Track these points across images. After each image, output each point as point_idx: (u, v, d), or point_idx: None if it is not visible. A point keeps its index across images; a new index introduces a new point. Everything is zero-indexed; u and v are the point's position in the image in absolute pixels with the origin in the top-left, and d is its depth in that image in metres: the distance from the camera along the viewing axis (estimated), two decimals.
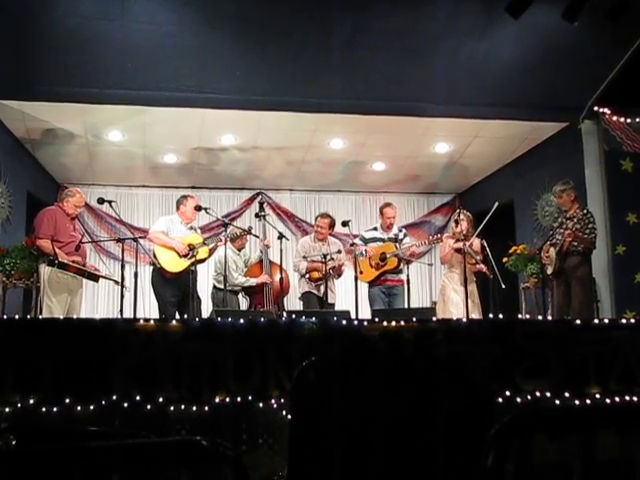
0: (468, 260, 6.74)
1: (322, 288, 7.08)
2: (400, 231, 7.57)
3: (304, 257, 7.33)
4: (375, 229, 7.56)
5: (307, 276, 7.32)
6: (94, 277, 6.70)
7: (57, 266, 6.25)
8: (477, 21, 7.08)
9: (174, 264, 6.72)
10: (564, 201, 6.88)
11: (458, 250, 6.88)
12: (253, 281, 7.77)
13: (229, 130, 8.39)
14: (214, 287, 7.85)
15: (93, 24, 6.67)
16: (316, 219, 7.71)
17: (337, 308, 7.35)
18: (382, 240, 7.38)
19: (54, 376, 3.84)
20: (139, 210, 10.19)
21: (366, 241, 7.37)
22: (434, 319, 4.87)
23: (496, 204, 6.72)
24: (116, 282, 6.54)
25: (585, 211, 6.73)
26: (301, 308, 7.42)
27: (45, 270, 6.35)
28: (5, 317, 6.21)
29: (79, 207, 6.88)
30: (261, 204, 8.49)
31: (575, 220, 6.62)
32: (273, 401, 3.95)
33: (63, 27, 6.64)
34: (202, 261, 7.00)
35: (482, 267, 6.77)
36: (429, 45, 7.24)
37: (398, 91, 7.62)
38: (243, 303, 8.12)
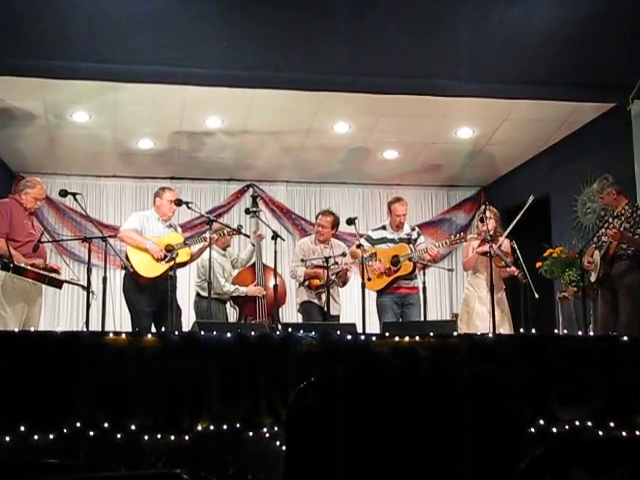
0: (497, 263, 6.71)
1: (324, 297, 7.08)
2: (413, 230, 7.55)
3: (302, 261, 7.33)
4: (384, 228, 7.52)
5: (306, 283, 7.31)
6: (56, 283, 6.69)
7: (12, 270, 6.25)
8: None
9: (150, 268, 6.72)
10: (607, 201, 6.89)
11: (484, 254, 6.83)
12: (243, 290, 7.76)
13: (215, 111, 8.39)
14: (197, 295, 7.84)
15: None
16: (317, 217, 7.70)
17: (341, 320, 7.34)
18: (393, 241, 7.35)
19: (7, 399, 3.84)
20: (109, 204, 10.18)
21: (374, 242, 7.32)
22: (455, 334, 4.87)
23: (532, 197, 6.71)
24: (83, 287, 6.53)
25: (635, 207, 6.73)
26: (299, 320, 7.42)
27: None
28: None
29: (39, 200, 6.87)
30: (254, 198, 8.45)
31: (623, 218, 6.61)
32: (265, 430, 3.95)
33: None
34: (183, 265, 7.00)
35: (514, 270, 6.72)
36: (450, 11, 7.24)
37: (413, 66, 7.61)
38: (232, 314, 8.12)
